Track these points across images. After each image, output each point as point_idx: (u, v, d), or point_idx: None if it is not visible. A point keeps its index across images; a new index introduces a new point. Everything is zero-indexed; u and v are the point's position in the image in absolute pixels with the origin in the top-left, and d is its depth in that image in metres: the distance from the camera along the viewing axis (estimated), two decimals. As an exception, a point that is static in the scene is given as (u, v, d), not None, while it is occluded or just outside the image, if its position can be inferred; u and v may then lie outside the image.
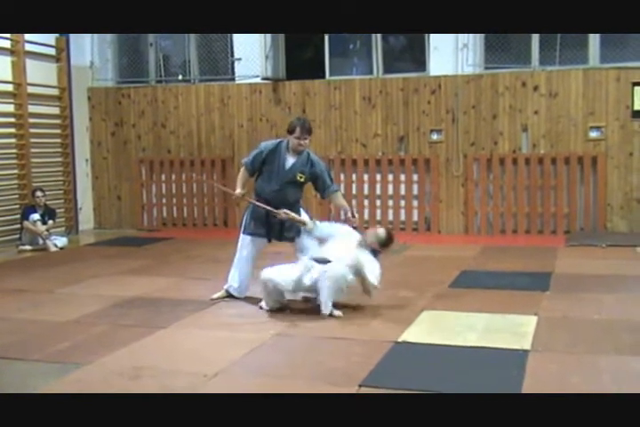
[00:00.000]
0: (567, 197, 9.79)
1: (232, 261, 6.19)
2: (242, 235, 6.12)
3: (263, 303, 5.81)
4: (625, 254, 8.19)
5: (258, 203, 5.98)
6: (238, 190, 6.13)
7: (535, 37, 9.82)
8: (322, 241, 5.75)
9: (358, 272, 5.55)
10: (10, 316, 5.79)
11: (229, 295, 6.19)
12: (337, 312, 5.51)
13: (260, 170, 6.07)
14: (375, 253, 5.74)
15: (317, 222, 5.88)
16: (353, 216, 6.06)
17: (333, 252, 5.59)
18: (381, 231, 5.92)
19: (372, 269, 5.59)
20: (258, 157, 6.02)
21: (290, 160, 5.95)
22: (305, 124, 5.87)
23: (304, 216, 6.06)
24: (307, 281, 5.45)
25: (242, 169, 6.19)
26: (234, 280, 6.15)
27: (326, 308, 5.47)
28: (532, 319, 5.36)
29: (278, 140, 6.16)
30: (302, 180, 5.96)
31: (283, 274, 5.52)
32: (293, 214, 5.85)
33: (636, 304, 5.88)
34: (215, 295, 6.20)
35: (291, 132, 5.88)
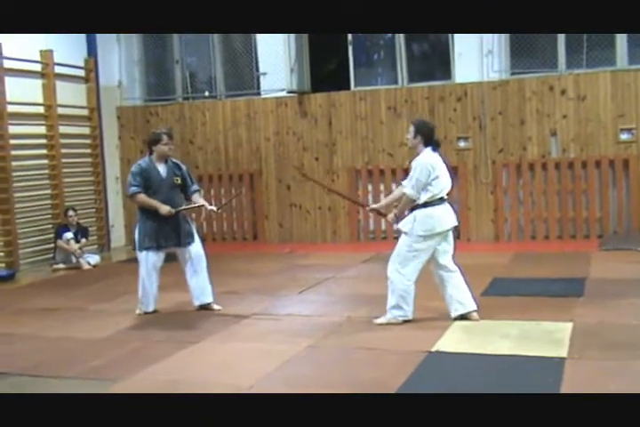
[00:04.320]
0: (599, 200, 9.67)
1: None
2: (139, 253, 6.32)
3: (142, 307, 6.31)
4: (661, 258, 8.05)
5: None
6: (167, 208, 6.16)
7: (561, 40, 9.74)
8: None
9: None
10: (44, 334, 5.85)
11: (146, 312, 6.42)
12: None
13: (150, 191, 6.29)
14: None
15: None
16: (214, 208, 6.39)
17: None
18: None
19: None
20: (139, 179, 6.23)
21: (162, 169, 6.32)
22: (168, 132, 6.44)
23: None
24: None
25: (140, 196, 6.21)
26: (142, 298, 6.39)
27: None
28: (568, 326, 5.29)
29: (140, 161, 6.41)
30: (179, 182, 6.38)
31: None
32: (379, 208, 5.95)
33: (674, 308, 5.77)
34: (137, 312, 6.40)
35: (157, 141, 6.27)
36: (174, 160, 6.53)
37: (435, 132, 5.68)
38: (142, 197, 6.21)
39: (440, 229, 5.47)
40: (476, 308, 5.60)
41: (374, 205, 6.08)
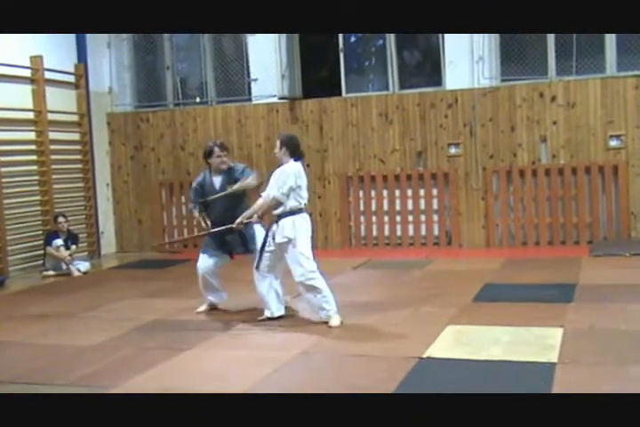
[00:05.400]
0: (589, 206, 9.71)
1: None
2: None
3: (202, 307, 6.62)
4: (651, 263, 8.08)
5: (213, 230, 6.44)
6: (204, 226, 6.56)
7: (551, 47, 9.79)
8: None
9: None
10: (34, 341, 5.82)
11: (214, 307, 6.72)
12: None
13: (204, 202, 6.53)
14: None
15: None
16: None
17: None
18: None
19: None
20: (194, 196, 6.61)
21: (216, 180, 6.45)
22: (218, 143, 6.46)
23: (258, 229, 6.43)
24: None
25: (194, 213, 6.65)
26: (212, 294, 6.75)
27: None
28: (558, 331, 5.30)
29: (200, 174, 6.66)
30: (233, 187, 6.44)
31: None
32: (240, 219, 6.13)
33: (664, 313, 5.80)
34: (201, 309, 6.67)
35: (209, 154, 6.41)
36: (231, 165, 6.51)
37: (299, 145, 6.10)
38: (196, 214, 6.59)
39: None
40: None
41: (237, 221, 6.15)
